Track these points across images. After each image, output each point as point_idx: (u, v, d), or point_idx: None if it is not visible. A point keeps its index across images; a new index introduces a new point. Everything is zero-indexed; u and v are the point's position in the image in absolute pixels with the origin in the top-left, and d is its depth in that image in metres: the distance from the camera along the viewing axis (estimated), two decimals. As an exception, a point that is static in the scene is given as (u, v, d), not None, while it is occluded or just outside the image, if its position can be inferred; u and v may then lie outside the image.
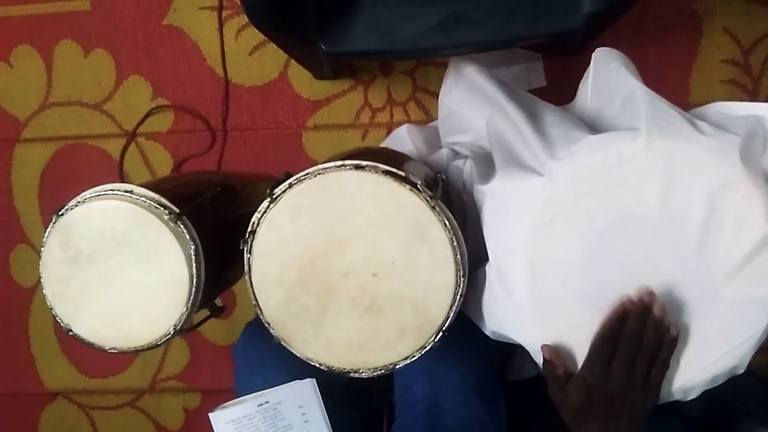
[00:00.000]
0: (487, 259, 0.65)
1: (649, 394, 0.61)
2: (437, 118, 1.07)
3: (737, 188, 0.56)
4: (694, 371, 0.62)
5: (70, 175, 1.26)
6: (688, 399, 0.64)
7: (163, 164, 1.25)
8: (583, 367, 0.61)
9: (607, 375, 0.60)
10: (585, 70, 0.75)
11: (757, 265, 0.57)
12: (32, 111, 1.25)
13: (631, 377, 0.59)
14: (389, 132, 1.17)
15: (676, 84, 1.14)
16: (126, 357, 1.31)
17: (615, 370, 0.59)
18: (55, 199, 1.27)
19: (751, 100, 1.06)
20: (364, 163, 0.61)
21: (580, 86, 0.77)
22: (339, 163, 0.61)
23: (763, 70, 1.12)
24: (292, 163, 1.20)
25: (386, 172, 0.61)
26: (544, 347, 0.62)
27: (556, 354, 0.62)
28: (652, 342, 0.59)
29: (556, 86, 1.11)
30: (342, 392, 0.86)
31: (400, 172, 0.61)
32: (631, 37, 1.12)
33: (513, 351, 0.94)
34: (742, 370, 0.62)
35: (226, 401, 0.78)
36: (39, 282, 1.28)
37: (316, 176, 0.62)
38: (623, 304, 0.59)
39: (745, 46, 1.12)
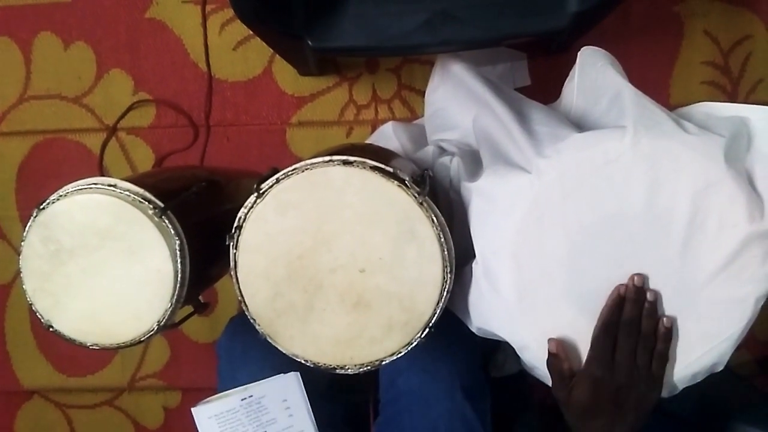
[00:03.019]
0: (474, 256, 0.66)
1: (652, 386, 0.61)
2: (422, 116, 1.07)
3: (721, 188, 0.57)
4: (676, 368, 0.62)
5: (48, 170, 1.24)
6: (669, 396, 0.65)
7: (145, 159, 1.23)
8: (587, 362, 0.62)
9: (612, 367, 0.60)
10: (569, 69, 0.76)
11: (739, 265, 0.58)
12: (10, 104, 1.23)
13: (635, 368, 0.60)
14: (374, 129, 1.16)
15: (657, 84, 1.15)
16: (104, 355, 1.29)
17: (618, 361, 0.60)
18: (32, 194, 1.26)
19: (731, 102, 1.08)
20: (352, 158, 0.61)
21: (565, 85, 0.77)
22: (327, 158, 0.61)
23: (742, 72, 1.14)
24: (275, 159, 1.19)
25: (374, 168, 0.61)
26: (551, 341, 0.62)
27: (563, 348, 0.62)
28: (649, 328, 0.60)
29: (540, 85, 1.12)
30: (325, 387, 0.86)
31: (388, 168, 0.61)
32: (613, 38, 1.13)
33: (496, 347, 0.95)
34: (722, 368, 0.63)
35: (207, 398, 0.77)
36: (15, 278, 1.27)
37: (303, 171, 0.61)
38: (618, 290, 0.60)
39: (725, 49, 1.14)
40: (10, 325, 1.31)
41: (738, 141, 0.58)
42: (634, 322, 0.60)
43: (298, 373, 0.75)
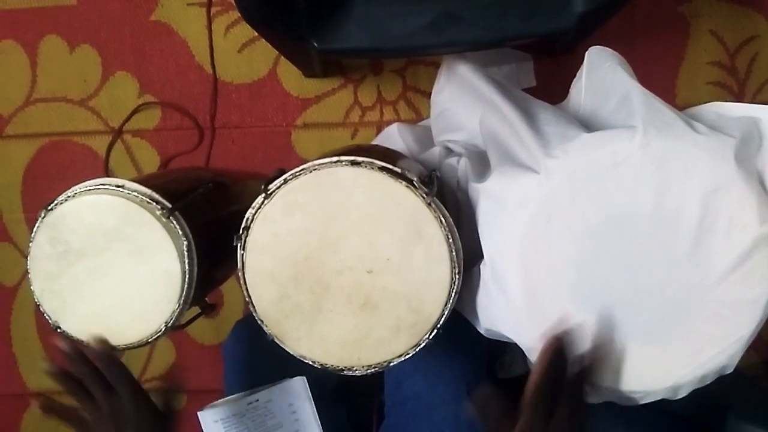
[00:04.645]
0: (482, 257, 0.65)
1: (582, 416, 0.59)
2: (427, 117, 1.07)
3: (731, 190, 0.56)
4: (685, 370, 0.62)
5: (54, 172, 1.24)
6: (677, 398, 0.64)
7: (150, 162, 1.23)
8: (520, 427, 0.58)
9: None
10: (574, 70, 0.75)
11: (749, 267, 0.57)
12: (16, 107, 1.23)
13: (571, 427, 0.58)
14: (379, 131, 1.16)
15: (663, 85, 1.15)
16: (110, 357, 1.29)
17: (554, 428, 0.57)
18: (38, 196, 1.26)
19: (738, 102, 1.08)
20: (360, 159, 0.61)
21: (572, 85, 0.77)
22: (335, 159, 0.61)
23: (749, 73, 1.14)
24: (281, 161, 1.19)
25: (382, 169, 0.61)
26: (466, 410, 0.61)
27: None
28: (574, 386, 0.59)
29: (545, 86, 1.12)
30: (330, 391, 0.86)
31: (396, 169, 0.61)
32: (619, 39, 1.13)
33: (503, 348, 0.95)
34: (731, 370, 0.62)
35: (212, 402, 0.77)
36: (22, 281, 1.27)
37: (311, 172, 0.61)
38: (546, 350, 0.59)
39: (731, 49, 1.13)
40: (16, 327, 1.31)
41: (749, 141, 0.58)
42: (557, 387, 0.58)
43: (305, 378, 0.75)
